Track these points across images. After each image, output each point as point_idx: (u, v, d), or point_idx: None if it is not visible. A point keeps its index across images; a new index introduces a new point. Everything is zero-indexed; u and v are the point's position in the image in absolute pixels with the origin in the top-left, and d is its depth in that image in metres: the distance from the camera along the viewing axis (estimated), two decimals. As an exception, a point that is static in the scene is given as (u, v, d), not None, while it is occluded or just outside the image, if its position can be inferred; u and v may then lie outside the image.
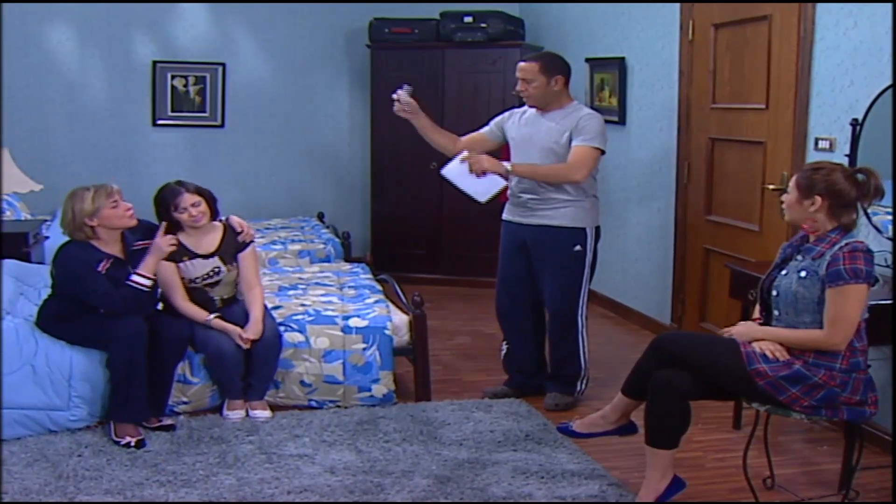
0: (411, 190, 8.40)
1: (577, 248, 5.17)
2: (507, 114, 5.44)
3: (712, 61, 6.13)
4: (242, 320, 4.97)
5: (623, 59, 7.19)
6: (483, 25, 8.18)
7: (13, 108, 8.12)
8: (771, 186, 5.50)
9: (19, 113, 8.20)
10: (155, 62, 8.57)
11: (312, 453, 4.49)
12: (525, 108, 5.33)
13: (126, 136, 8.59)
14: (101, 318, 4.69)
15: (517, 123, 5.30)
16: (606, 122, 7.31)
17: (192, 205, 4.95)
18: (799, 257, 3.79)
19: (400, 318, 5.35)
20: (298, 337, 5.09)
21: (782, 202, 3.84)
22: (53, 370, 4.61)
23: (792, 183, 3.77)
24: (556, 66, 5.16)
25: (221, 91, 8.77)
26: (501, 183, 5.01)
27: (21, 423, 4.54)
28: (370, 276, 6.33)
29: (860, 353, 3.68)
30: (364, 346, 5.12)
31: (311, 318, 5.20)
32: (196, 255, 5.02)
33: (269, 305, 5.30)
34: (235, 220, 5.18)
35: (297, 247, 7.39)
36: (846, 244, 3.63)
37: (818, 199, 3.67)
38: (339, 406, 5.10)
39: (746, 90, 5.80)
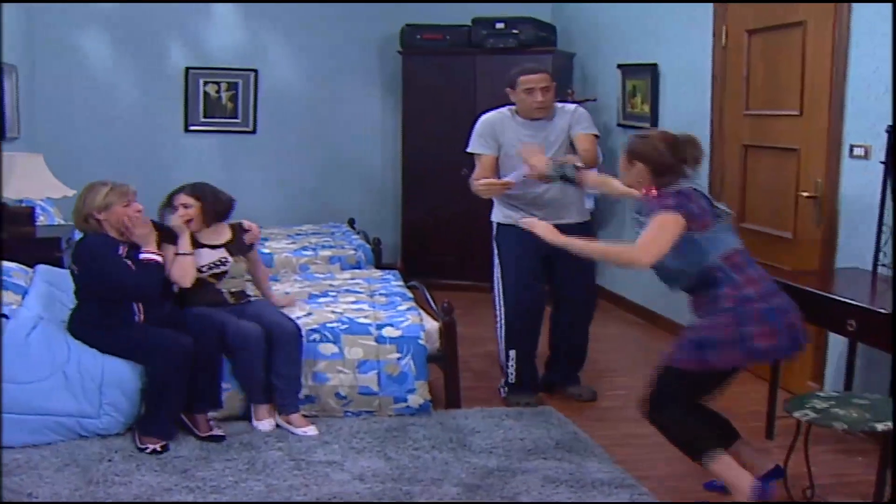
0: (442, 196, 8.37)
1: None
2: (489, 126, 5.39)
3: (746, 67, 6.07)
4: (256, 320, 4.99)
5: (655, 65, 7.16)
6: (515, 32, 8.14)
7: (48, 114, 8.23)
8: (805, 194, 5.44)
9: (54, 119, 8.30)
10: (188, 68, 8.64)
11: (341, 460, 4.47)
12: (503, 116, 5.38)
13: (159, 142, 8.67)
14: (141, 330, 4.72)
15: (515, 135, 5.30)
16: (637, 128, 7.39)
17: (183, 205, 5.05)
18: (642, 219, 4.02)
19: (430, 326, 5.32)
20: (332, 348, 5.05)
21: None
22: (85, 377, 4.62)
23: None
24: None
25: (253, 97, 8.82)
26: None
27: (52, 429, 4.56)
28: (401, 283, 6.31)
29: (744, 286, 3.81)
30: (398, 355, 5.08)
31: (344, 327, 5.17)
32: (203, 245, 5.09)
33: (301, 313, 5.31)
34: (247, 222, 5.33)
35: (327, 253, 7.38)
36: (663, 192, 3.92)
37: (639, 164, 3.98)
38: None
39: (780, 97, 5.74)
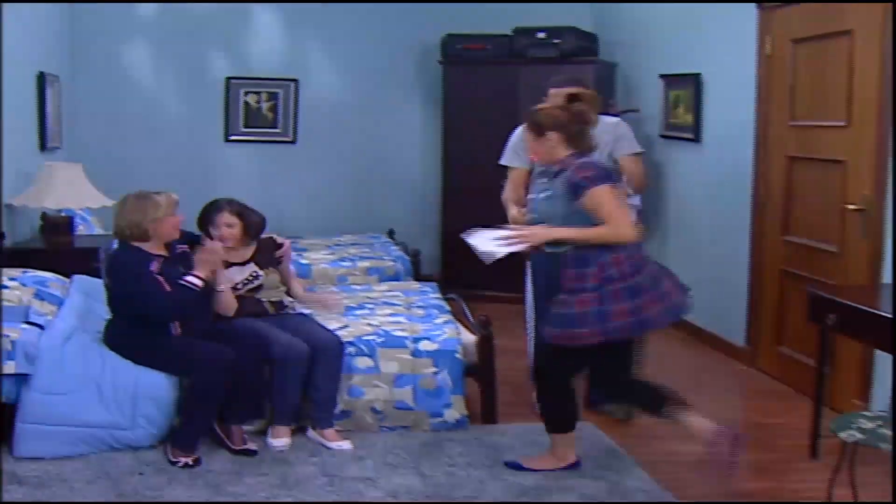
0: (483, 207, 8.24)
1: None
2: (517, 137, 5.32)
3: (791, 77, 5.95)
4: (299, 333, 4.92)
5: (698, 75, 7.05)
6: (556, 41, 8.08)
7: (90, 124, 8.34)
8: (852, 207, 5.31)
9: (95, 128, 8.39)
10: (228, 78, 8.67)
11: (375, 477, 4.40)
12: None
13: (199, 152, 8.71)
14: (181, 343, 4.68)
15: None
16: (679, 139, 7.32)
17: (227, 224, 5.01)
18: (544, 180, 4.31)
19: (468, 339, 5.25)
20: (368, 362, 4.98)
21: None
22: (118, 389, 4.59)
23: (524, 129, 4.42)
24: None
25: (294, 107, 8.82)
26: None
27: (85, 440, 4.53)
28: (439, 295, 6.23)
29: (610, 266, 4.08)
30: (434, 369, 5.01)
31: (381, 340, 5.10)
32: (232, 264, 5.04)
33: (337, 325, 5.25)
34: (279, 238, 5.27)
35: (366, 264, 7.33)
36: (578, 163, 4.15)
37: (552, 134, 4.21)
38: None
39: (826, 107, 5.61)
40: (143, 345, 4.68)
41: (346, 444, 4.74)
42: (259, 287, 5.11)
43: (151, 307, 4.61)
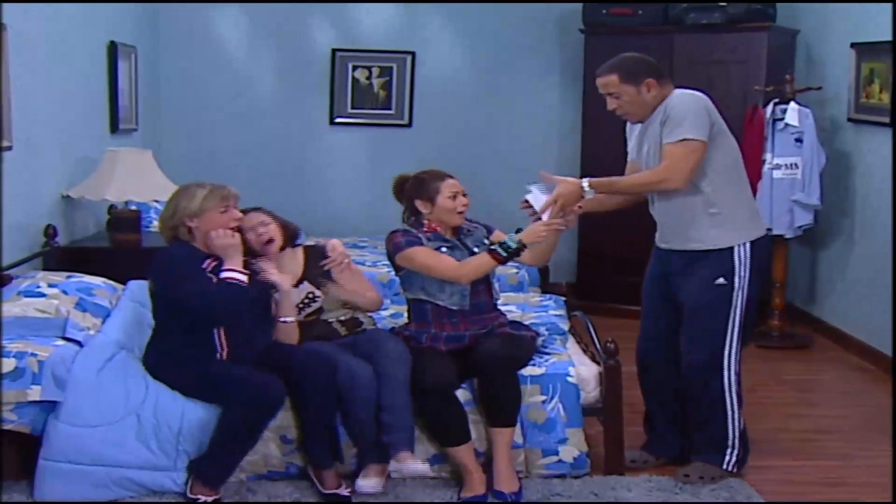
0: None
1: (720, 280, 4.64)
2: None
3: None
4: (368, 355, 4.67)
5: (899, 43, 6.57)
6: (722, 4, 7.69)
7: (170, 104, 8.38)
8: None
9: (177, 109, 8.42)
10: (334, 50, 8.56)
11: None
12: None
13: (298, 137, 8.64)
14: (222, 367, 4.47)
15: (632, 136, 4.94)
16: (874, 123, 6.79)
17: (261, 223, 4.80)
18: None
19: (588, 369, 4.89)
20: (465, 394, 4.69)
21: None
22: (161, 423, 4.37)
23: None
24: (638, 70, 4.66)
25: (410, 84, 8.68)
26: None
27: (118, 483, 4.32)
28: (562, 311, 5.84)
29: None
30: (543, 398, 4.69)
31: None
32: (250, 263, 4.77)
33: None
34: (331, 244, 4.98)
35: (485, 270, 7.01)
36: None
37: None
38: (521, 477, 4.63)
39: None
40: (181, 369, 4.46)
41: (421, 466, 4.53)
42: (320, 309, 4.89)
43: (201, 306, 4.36)
